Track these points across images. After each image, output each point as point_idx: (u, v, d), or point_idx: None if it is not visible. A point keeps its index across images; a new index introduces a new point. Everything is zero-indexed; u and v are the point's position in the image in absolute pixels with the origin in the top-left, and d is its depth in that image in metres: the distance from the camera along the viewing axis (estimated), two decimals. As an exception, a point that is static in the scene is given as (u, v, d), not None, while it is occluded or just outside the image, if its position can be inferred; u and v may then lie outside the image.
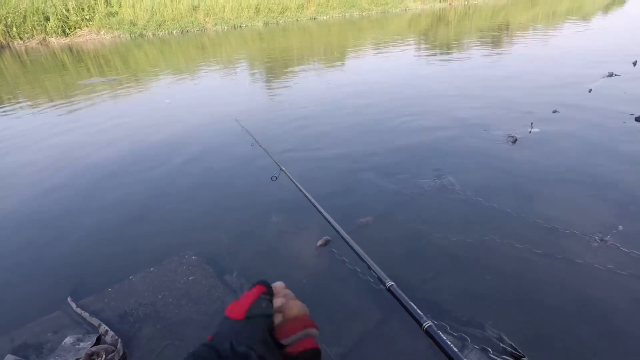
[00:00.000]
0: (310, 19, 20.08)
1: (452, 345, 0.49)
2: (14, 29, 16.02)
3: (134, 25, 17.92)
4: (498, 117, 4.13)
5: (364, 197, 2.78)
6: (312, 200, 1.63)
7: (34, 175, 3.60)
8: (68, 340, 1.73)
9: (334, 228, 1.32)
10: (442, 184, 2.83)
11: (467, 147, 3.44)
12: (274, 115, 4.89)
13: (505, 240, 2.14)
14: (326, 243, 2.24)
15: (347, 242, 1.24)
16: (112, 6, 18.07)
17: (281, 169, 2.22)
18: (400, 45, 9.93)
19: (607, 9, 15.81)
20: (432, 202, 2.62)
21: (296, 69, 8.08)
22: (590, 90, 4.70)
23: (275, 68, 8.42)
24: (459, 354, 0.47)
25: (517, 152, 3.26)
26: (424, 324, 0.56)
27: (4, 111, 6.09)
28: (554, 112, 4.09)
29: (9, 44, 15.98)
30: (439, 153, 3.36)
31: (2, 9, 15.75)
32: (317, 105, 5.16)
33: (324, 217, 1.41)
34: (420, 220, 2.42)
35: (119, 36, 17.54)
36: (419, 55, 8.67)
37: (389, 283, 0.73)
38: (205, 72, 8.43)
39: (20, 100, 6.79)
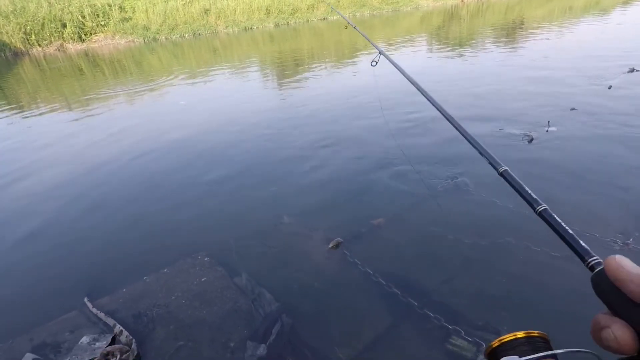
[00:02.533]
0: (321, 19, 20.09)
1: (568, 229, 0.46)
2: (33, 36, 16.46)
3: (147, 30, 18.22)
4: (513, 114, 4.04)
5: (376, 198, 2.76)
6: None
7: (52, 179, 3.69)
8: (84, 339, 1.76)
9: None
10: (455, 184, 2.79)
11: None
12: (288, 114, 4.90)
13: (521, 243, 2.10)
14: (338, 245, 2.23)
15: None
16: (126, 12, 18.42)
17: (380, 53, 1.91)
18: (411, 43, 9.85)
19: (626, 3, 15.39)
20: (445, 203, 2.58)
21: (307, 69, 8.08)
22: (610, 87, 4.57)
23: (286, 69, 8.44)
24: (577, 238, 0.44)
25: (534, 152, 3.19)
26: (538, 207, 0.53)
27: (24, 116, 6.25)
28: (572, 109, 3.99)
29: (28, 51, 16.43)
30: (451, 153, 3.31)
31: (22, 17, 16.21)
32: (328, 105, 5.15)
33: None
34: (434, 222, 2.39)
35: (133, 41, 17.85)
36: (431, 53, 8.57)
37: (502, 168, 0.69)
38: (217, 75, 8.51)
39: (40, 105, 6.96)
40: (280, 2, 20.30)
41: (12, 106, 7.11)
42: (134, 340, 1.75)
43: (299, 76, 7.44)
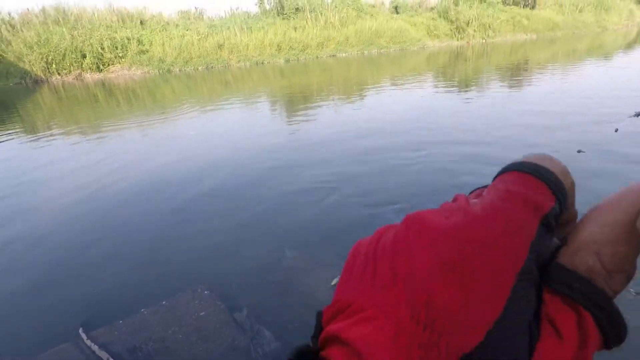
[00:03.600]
0: (330, 56, 20.78)
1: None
2: (54, 65, 17.19)
3: (162, 62, 18.95)
4: (518, 155, 4.05)
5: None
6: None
7: (53, 203, 3.71)
8: (75, 375, 1.70)
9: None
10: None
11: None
12: (295, 147, 4.96)
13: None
14: (341, 281, 2.18)
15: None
16: (144, 45, 19.25)
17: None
18: (418, 82, 10.09)
19: (628, 47, 15.78)
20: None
21: (315, 102, 8.26)
22: (616, 130, 4.59)
23: (295, 102, 8.64)
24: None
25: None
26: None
27: (38, 141, 6.40)
28: (579, 151, 3.99)
29: (47, 79, 17.10)
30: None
31: (44, 48, 17.00)
32: (335, 139, 5.22)
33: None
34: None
35: (148, 72, 18.53)
36: (436, 89, 8.76)
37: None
38: (228, 107, 8.72)
39: (54, 131, 7.14)
40: (290, 40, 21.13)
41: (25, 130, 7.30)
42: (126, 376, 1.68)
43: (307, 110, 7.61)
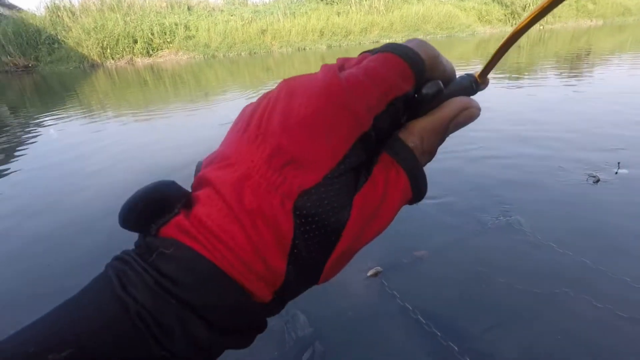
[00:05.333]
0: (374, 42, 20.33)
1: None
2: (108, 50, 18.15)
3: (207, 47, 19.43)
4: (576, 153, 3.77)
5: (420, 229, 2.65)
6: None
7: (106, 178, 3.94)
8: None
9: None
10: (508, 222, 2.61)
11: (539, 184, 3.16)
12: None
13: (581, 296, 1.90)
14: (377, 274, 2.16)
15: None
16: (190, 30, 19.80)
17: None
18: (463, 70, 9.63)
19: None
20: (496, 242, 2.42)
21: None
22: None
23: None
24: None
25: (599, 195, 2.92)
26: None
27: (93, 119, 6.82)
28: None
29: (102, 64, 18.09)
30: (505, 188, 3.13)
31: (100, 34, 17.96)
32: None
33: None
34: (481, 262, 2.24)
35: (193, 57, 19.09)
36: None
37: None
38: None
39: (107, 111, 7.58)
40: (333, 25, 20.86)
41: (82, 110, 7.80)
42: None
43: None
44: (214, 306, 0.22)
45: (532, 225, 2.53)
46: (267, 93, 0.29)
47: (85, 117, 7.26)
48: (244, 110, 0.30)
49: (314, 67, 13.16)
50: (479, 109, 0.30)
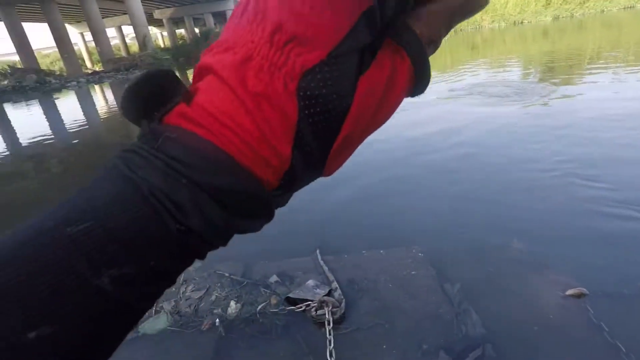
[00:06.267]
0: (625, 8, 15.87)
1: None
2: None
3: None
4: None
5: None
6: None
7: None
8: (310, 282, 2.14)
9: None
10: None
11: None
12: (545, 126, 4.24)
13: None
14: (580, 296, 1.82)
15: None
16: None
17: None
18: None
19: None
20: None
21: (587, 75, 6.64)
22: None
23: (555, 72, 7.22)
24: None
25: None
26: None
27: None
28: None
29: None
30: None
31: None
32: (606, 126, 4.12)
33: None
34: None
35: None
36: None
37: None
38: (473, 72, 8.17)
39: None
40: (567, -8, 17.27)
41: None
42: (344, 300, 1.99)
43: (567, 84, 6.24)
44: (224, 189, 0.22)
45: None
46: None
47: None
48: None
49: (531, 45, 11.32)
50: None
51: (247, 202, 0.23)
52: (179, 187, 0.21)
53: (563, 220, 2.49)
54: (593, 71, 6.91)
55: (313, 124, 0.23)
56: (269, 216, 0.26)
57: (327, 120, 0.24)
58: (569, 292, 1.83)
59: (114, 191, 0.21)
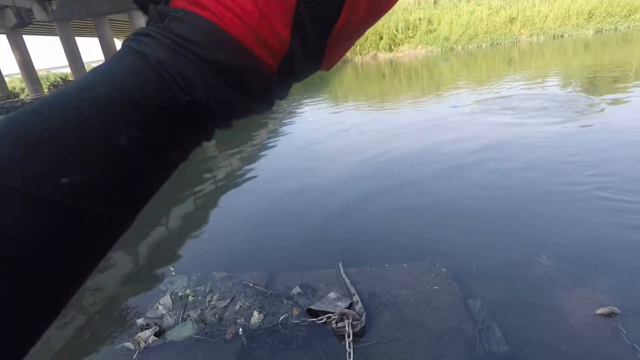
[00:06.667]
0: (675, 21, 14.98)
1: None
2: (358, 47, 20.60)
3: (447, 40, 19.15)
4: None
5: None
6: None
7: (348, 156, 4.61)
8: (332, 295, 2.17)
9: None
10: None
11: None
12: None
13: None
14: (611, 315, 1.73)
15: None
16: (432, 24, 19.95)
17: None
18: None
19: None
20: None
21: (629, 89, 6.30)
22: None
23: (596, 88, 6.91)
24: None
25: None
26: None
27: (338, 108, 8.05)
28: None
29: (351, 59, 20.73)
30: None
31: (353, 32, 20.57)
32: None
33: None
34: None
35: (431, 51, 19.24)
36: None
37: None
38: (507, 86, 7.99)
39: (349, 102, 8.75)
40: (610, 3, 16.56)
41: (330, 98, 9.28)
42: (364, 313, 2.01)
43: (609, 100, 5.95)
44: (226, 64, 0.23)
45: None
46: None
47: (331, 105, 8.65)
48: None
49: (572, 59, 10.92)
50: None
51: (248, 80, 0.24)
52: (186, 62, 0.23)
53: (594, 236, 2.38)
54: (637, 87, 6.56)
55: (311, 8, 0.24)
56: (270, 101, 0.27)
57: (324, 3, 0.24)
58: (600, 310, 1.75)
59: (127, 64, 0.23)
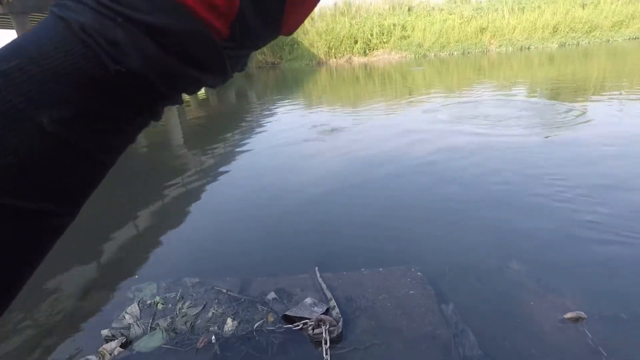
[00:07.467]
0: (631, 38, 16.03)
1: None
2: (333, 50, 20.71)
3: (420, 47, 19.60)
4: None
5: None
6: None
7: (332, 161, 4.59)
8: (308, 300, 2.14)
9: None
10: None
11: None
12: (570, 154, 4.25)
13: None
14: (578, 320, 1.79)
15: None
16: (406, 30, 20.37)
17: None
18: None
19: None
20: None
21: (593, 101, 6.67)
22: None
23: (561, 97, 7.26)
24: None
25: None
26: None
27: (313, 110, 8.02)
28: None
29: (326, 61, 20.81)
30: None
31: (329, 36, 20.64)
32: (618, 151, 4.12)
33: None
34: None
35: (405, 56, 19.63)
36: None
37: None
38: (480, 93, 8.25)
39: (322, 104, 8.74)
40: (573, 20, 17.53)
41: (304, 99, 9.26)
42: (341, 319, 1.99)
43: (571, 110, 6.27)
44: (164, 29, 0.20)
45: None
46: None
47: (304, 107, 8.64)
48: None
49: (538, 70, 11.44)
50: None
51: (192, 47, 0.21)
52: (114, 26, 0.20)
53: (562, 244, 2.48)
54: (598, 98, 6.95)
55: None
56: (223, 72, 0.24)
57: None
58: (567, 315, 1.81)
59: (46, 32, 0.21)
